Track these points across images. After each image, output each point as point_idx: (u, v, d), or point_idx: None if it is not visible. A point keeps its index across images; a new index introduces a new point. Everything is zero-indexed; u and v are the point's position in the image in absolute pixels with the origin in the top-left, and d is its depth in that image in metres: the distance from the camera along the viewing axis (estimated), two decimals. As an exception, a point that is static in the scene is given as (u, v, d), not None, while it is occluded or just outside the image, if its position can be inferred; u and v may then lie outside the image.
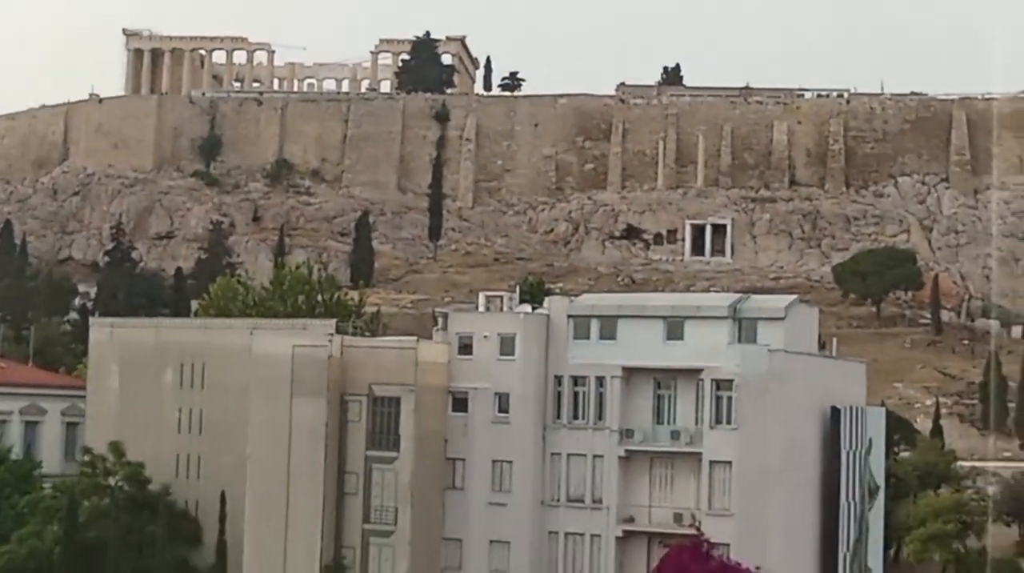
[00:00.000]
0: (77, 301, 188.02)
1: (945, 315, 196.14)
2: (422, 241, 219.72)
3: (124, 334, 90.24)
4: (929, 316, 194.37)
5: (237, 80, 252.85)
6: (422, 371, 75.49)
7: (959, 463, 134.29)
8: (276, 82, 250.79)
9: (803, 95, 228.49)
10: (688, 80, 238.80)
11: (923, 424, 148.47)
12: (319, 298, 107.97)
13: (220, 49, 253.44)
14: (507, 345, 76.00)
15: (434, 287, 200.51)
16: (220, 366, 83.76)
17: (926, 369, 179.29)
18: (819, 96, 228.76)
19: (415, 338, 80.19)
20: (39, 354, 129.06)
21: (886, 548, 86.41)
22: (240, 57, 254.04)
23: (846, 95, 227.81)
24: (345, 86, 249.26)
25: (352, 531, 75.30)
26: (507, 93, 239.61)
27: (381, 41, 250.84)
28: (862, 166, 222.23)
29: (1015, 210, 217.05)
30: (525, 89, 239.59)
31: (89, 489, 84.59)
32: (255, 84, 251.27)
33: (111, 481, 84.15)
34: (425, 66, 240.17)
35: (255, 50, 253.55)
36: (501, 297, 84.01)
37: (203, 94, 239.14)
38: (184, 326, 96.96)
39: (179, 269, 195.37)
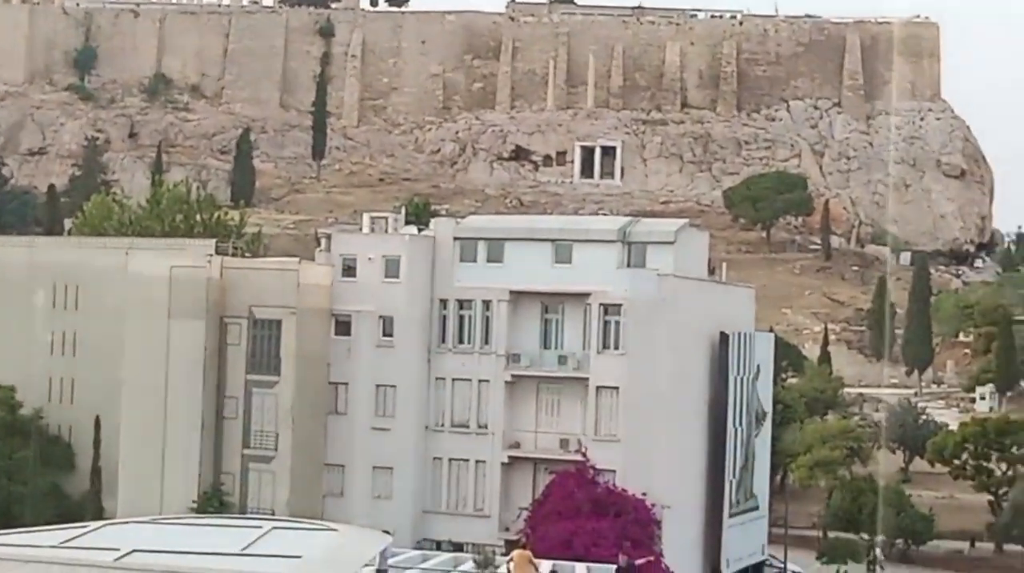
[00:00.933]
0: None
1: (835, 241, 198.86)
2: (305, 160, 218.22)
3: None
4: (819, 242, 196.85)
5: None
6: (304, 293, 75.01)
7: (846, 390, 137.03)
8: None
9: (696, 16, 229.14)
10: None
11: (811, 350, 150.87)
12: (198, 218, 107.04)
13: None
14: (392, 267, 75.65)
15: (317, 207, 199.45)
16: (95, 287, 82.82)
17: (815, 295, 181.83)
18: (712, 17, 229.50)
19: (297, 259, 79.68)
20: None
21: (773, 474, 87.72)
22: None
23: (739, 17, 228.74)
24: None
25: (231, 457, 74.90)
26: (394, 8, 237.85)
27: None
28: (754, 89, 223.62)
29: (906, 136, 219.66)
30: (412, 5, 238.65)
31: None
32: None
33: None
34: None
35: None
36: (386, 218, 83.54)
37: (77, 4, 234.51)
38: (57, 245, 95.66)
39: (52, 186, 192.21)
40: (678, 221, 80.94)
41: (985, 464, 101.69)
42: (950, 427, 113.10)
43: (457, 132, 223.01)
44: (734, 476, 75.05)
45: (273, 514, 72.93)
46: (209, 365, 74.64)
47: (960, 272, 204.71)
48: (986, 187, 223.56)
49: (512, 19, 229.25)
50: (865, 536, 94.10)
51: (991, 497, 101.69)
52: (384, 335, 75.69)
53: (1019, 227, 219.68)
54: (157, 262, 76.26)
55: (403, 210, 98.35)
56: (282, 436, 74.42)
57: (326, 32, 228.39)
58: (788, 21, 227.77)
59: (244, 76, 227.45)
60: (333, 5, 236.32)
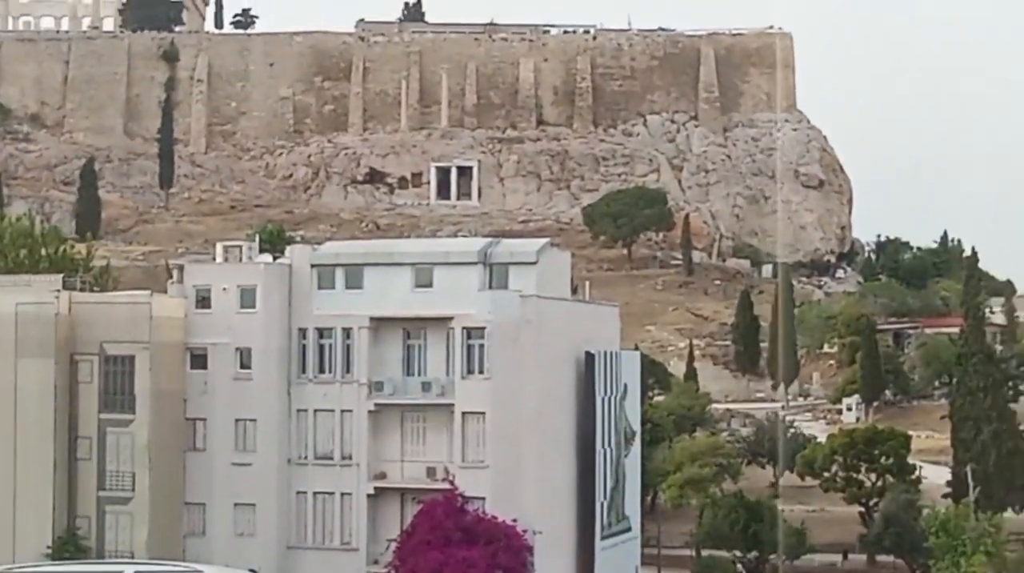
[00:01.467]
0: None
1: (696, 256, 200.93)
2: (152, 189, 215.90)
3: None
4: (681, 257, 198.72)
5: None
6: (157, 327, 74.08)
7: (713, 406, 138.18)
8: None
9: (549, 32, 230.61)
10: (430, 16, 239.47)
11: (677, 367, 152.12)
12: (43, 252, 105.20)
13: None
14: (247, 297, 75.00)
15: (167, 238, 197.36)
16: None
17: (679, 311, 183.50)
18: (565, 33, 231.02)
19: (148, 292, 78.64)
20: None
21: (643, 494, 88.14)
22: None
23: (592, 31, 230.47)
24: (65, 24, 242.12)
25: (86, 499, 73.71)
26: (240, 31, 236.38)
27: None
28: (610, 104, 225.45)
29: (763, 147, 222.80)
30: (259, 26, 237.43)
31: None
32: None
33: None
34: (151, 2, 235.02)
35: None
36: (239, 247, 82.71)
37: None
38: None
39: None
40: (539, 241, 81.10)
41: (855, 475, 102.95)
42: (819, 439, 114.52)
43: (309, 156, 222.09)
44: (605, 498, 75.33)
45: (132, 556, 71.99)
46: (60, 405, 73.41)
47: (822, 283, 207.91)
48: (845, 197, 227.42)
49: (362, 39, 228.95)
50: (738, 553, 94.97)
51: (862, 508, 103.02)
52: (242, 367, 74.99)
53: (878, 236, 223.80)
54: (1, 299, 74.89)
55: (257, 238, 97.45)
56: (139, 476, 73.38)
57: (170, 57, 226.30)
58: (642, 35, 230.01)
59: (86, 104, 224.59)
60: (177, 29, 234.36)
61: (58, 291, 76.07)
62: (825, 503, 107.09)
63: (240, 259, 79.94)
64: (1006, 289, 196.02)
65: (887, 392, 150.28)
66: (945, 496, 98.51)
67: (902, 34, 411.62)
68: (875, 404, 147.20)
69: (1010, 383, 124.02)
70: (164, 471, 73.91)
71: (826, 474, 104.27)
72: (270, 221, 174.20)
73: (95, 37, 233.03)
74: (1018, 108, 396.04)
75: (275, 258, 79.68)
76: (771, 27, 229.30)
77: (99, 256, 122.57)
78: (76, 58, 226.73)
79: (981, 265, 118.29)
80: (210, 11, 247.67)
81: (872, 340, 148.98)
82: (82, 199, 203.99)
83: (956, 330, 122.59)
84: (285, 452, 74.82)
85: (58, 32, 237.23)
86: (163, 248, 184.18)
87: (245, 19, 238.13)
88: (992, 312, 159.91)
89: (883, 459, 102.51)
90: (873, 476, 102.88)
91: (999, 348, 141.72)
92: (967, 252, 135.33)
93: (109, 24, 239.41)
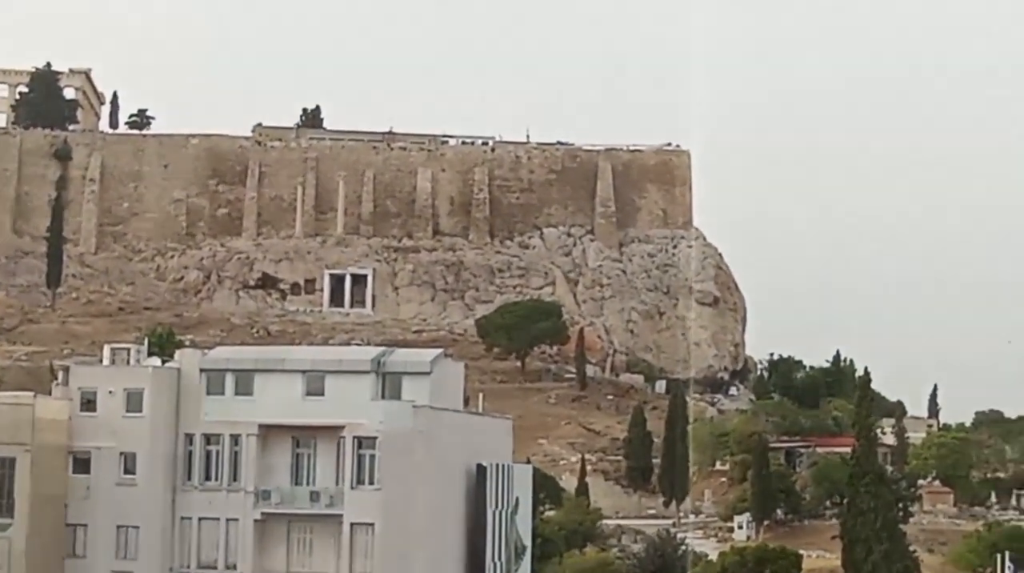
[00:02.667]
0: None
1: (590, 370, 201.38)
2: (39, 288, 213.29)
3: None
4: (574, 371, 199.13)
5: None
6: (40, 429, 73.06)
7: (604, 521, 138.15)
8: None
9: (447, 142, 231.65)
10: (328, 123, 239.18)
11: (568, 481, 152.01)
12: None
13: None
14: (134, 401, 74.26)
15: (53, 338, 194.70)
16: None
17: (571, 425, 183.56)
18: (464, 143, 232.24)
19: (32, 394, 77.60)
20: None
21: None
22: None
23: (491, 143, 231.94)
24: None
25: (-40, 607, 72.22)
26: (135, 131, 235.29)
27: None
28: (507, 216, 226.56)
29: (659, 263, 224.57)
30: (154, 127, 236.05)
31: None
32: None
33: None
34: (45, 100, 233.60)
35: None
36: (127, 349, 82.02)
37: None
38: None
39: None
40: (432, 351, 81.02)
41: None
42: (710, 557, 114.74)
43: (201, 259, 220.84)
44: (494, 613, 74.86)
45: (5, 668, 70.39)
46: (-64, 508, 71.96)
47: (715, 400, 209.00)
48: (739, 314, 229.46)
49: (259, 143, 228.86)
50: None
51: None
52: (126, 472, 74.05)
53: (771, 354, 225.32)
54: None
55: (145, 341, 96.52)
56: (16, 582, 71.96)
57: (63, 155, 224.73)
58: (540, 148, 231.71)
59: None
60: (71, 127, 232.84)
61: (-62, 391, 74.91)
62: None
63: (128, 362, 79.20)
64: (897, 410, 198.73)
65: (779, 511, 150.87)
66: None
67: (800, 155, 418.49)
68: (766, 522, 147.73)
69: (900, 504, 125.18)
70: (42, 578, 72.51)
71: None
72: (159, 324, 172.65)
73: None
74: (911, 233, 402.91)
75: (164, 362, 79.01)
76: (669, 144, 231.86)
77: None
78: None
79: (873, 386, 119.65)
80: (105, 111, 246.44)
81: (764, 458, 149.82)
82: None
83: (848, 450, 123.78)
84: (168, 561, 73.77)
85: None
86: (48, 349, 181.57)
87: (141, 119, 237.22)
88: (883, 433, 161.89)
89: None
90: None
91: (890, 469, 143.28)
92: (859, 372, 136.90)
93: (1, 120, 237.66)
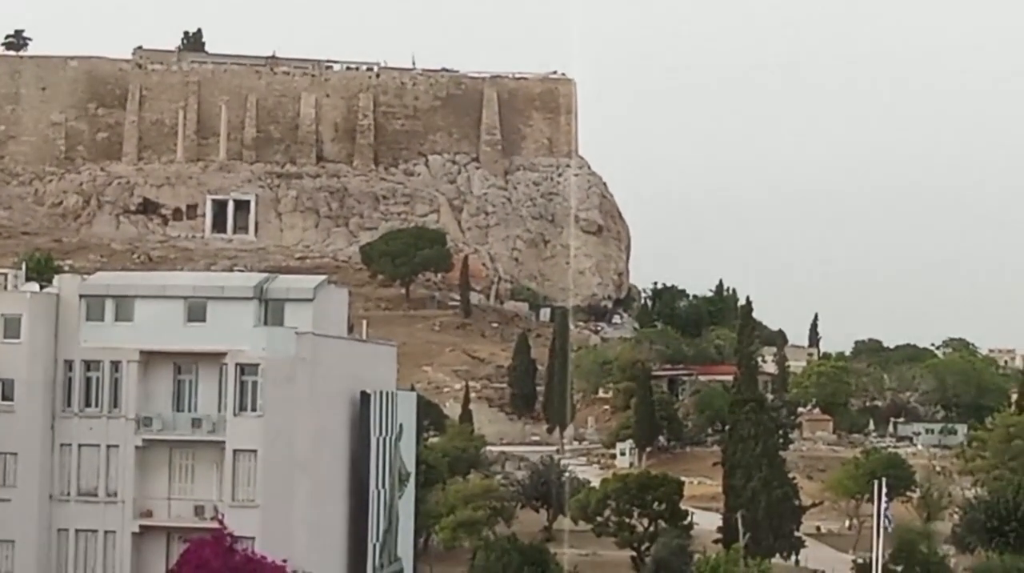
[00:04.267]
0: None
1: (475, 297, 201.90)
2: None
3: None
4: (459, 298, 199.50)
5: None
6: (-86, 356, 72.04)
7: (488, 448, 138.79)
8: None
9: (332, 67, 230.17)
10: (211, 47, 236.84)
11: (452, 409, 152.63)
12: None
13: None
14: (12, 327, 73.28)
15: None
16: None
17: (455, 352, 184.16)
18: (348, 69, 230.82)
19: (-95, 319, 76.41)
20: None
21: (417, 536, 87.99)
22: None
23: (376, 69, 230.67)
24: None
25: None
26: (11, 52, 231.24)
27: None
28: (392, 143, 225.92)
29: (544, 192, 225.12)
30: (32, 49, 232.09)
31: None
32: None
33: None
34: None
35: None
36: (4, 274, 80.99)
37: None
38: None
39: None
40: (316, 278, 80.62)
41: (627, 520, 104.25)
42: (592, 484, 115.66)
43: (81, 184, 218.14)
44: (377, 539, 75.06)
45: None
46: None
47: (599, 328, 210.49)
48: (623, 243, 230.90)
49: (140, 66, 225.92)
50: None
51: (634, 553, 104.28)
52: (3, 399, 73.16)
53: (655, 283, 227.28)
54: None
55: (23, 266, 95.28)
56: None
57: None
58: (426, 75, 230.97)
59: None
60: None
61: None
62: (598, 547, 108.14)
63: (5, 287, 78.22)
64: (778, 339, 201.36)
65: (661, 438, 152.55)
66: (716, 541, 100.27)
67: (686, 80, 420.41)
68: (649, 450, 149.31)
69: (780, 431, 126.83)
70: (-84, 506, 71.68)
71: (599, 518, 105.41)
72: (38, 249, 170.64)
73: None
74: (797, 162, 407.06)
75: (42, 287, 78.00)
76: (554, 72, 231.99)
77: None
78: None
79: (755, 315, 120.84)
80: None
81: (647, 386, 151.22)
82: None
83: (730, 378, 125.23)
84: (47, 488, 73.03)
85: None
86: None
87: (18, 40, 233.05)
88: (764, 361, 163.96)
89: (656, 504, 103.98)
90: (646, 521, 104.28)
91: (770, 397, 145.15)
92: (742, 302, 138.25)
93: None
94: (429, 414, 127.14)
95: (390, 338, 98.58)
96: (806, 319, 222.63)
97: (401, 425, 78.29)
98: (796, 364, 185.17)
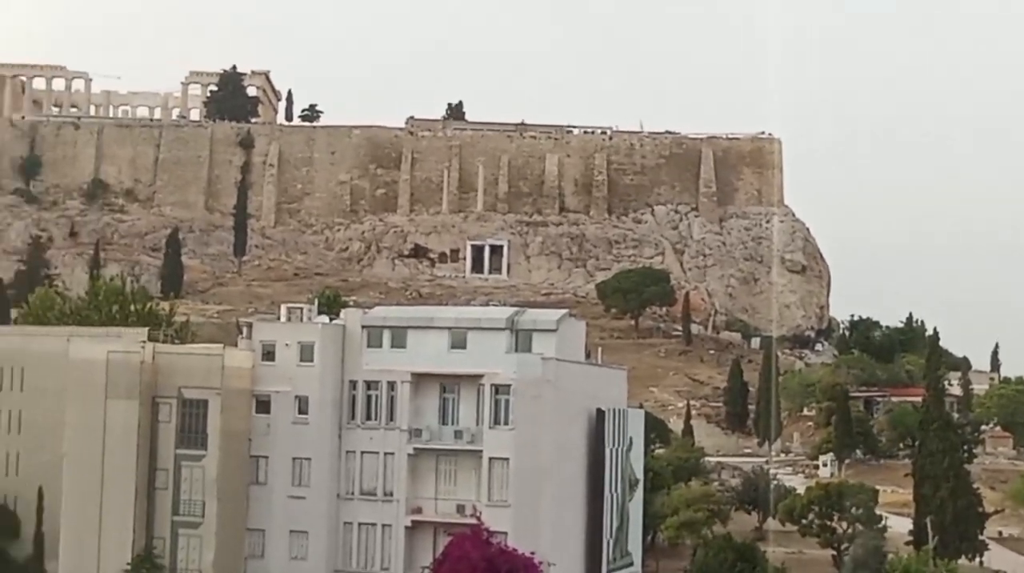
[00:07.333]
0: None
1: (694, 328, 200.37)
2: (228, 257, 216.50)
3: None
4: (680, 329, 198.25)
5: (56, 106, 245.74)
6: (228, 376, 74.20)
7: (707, 459, 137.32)
8: (93, 108, 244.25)
9: (571, 131, 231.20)
10: (470, 115, 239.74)
11: (676, 424, 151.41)
12: (132, 308, 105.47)
13: (40, 76, 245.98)
14: (307, 352, 75.16)
15: (239, 299, 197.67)
16: (38, 370, 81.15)
17: (678, 375, 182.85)
18: (585, 133, 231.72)
19: (221, 345, 78.84)
20: None
21: (644, 535, 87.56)
22: (59, 84, 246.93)
23: (609, 132, 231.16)
24: (157, 114, 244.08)
25: (162, 523, 73.66)
26: (307, 123, 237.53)
27: (191, 73, 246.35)
28: (623, 195, 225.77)
29: (754, 236, 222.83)
30: (323, 120, 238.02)
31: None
32: (73, 109, 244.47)
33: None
34: (232, 97, 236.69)
35: (73, 78, 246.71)
36: (301, 309, 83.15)
37: (23, 117, 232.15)
38: (4, 333, 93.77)
39: (0, 280, 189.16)
40: (558, 311, 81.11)
41: (828, 523, 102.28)
42: (797, 491, 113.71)
43: (363, 232, 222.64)
44: (611, 536, 74.99)
45: (200, 574, 71.84)
46: (142, 441, 73.51)
47: (803, 355, 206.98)
48: (824, 281, 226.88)
49: (411, 133, 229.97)
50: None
51: (834, 552, 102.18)
52: (300, 413, 75.03)
53: (852, 315, 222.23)
54: (95, 348, 75.13)
55: (316, 301, 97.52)
56: (208, 504, 73.32)
57: (247, 143, 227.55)
58: (651, 136, 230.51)
59: (173, 182, 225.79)
60: (253, 120, 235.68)
61: (144, 342, 76.40)
62: (802, 546, 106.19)
63: (301, 319, 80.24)
64: (962, 365, 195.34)
65: (858, 451, 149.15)
66: (907, 544, 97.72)
67: (877, 138, 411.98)
68: (847, 461, 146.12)
69: (965, 447, 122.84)
70: (230, 501, 73.82)
71: (804, 521, 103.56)
72: (328, 287, 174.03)
73: (183, 125, 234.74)
74: (977, 206, 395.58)
75: (331, 320, 79.81)
76: (763, 132, 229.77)
77: (180, 313, 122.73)
78: (166, 143, 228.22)
79: (941, 343, 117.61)
80: (282, 105, 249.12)
81: (845, 406, 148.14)
82: (167, 263, 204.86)
83: (919, 399, 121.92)
84: (335, 488, 74.68)
85: (151, 120, 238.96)
86: (235, 308, 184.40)
87: (311, 113, 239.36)
88: (950, 385, 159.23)
89: (853, 509, 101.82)
90: (844, 524, 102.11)
91: (956, 416, 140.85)
92: (929, 332, 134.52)
93: (195, 114, 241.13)
94: (655, 429, 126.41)
95: (621, 363, 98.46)
96: (988, 347, 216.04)
97: (631, 438, 78.16)
98: (979, 387, 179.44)
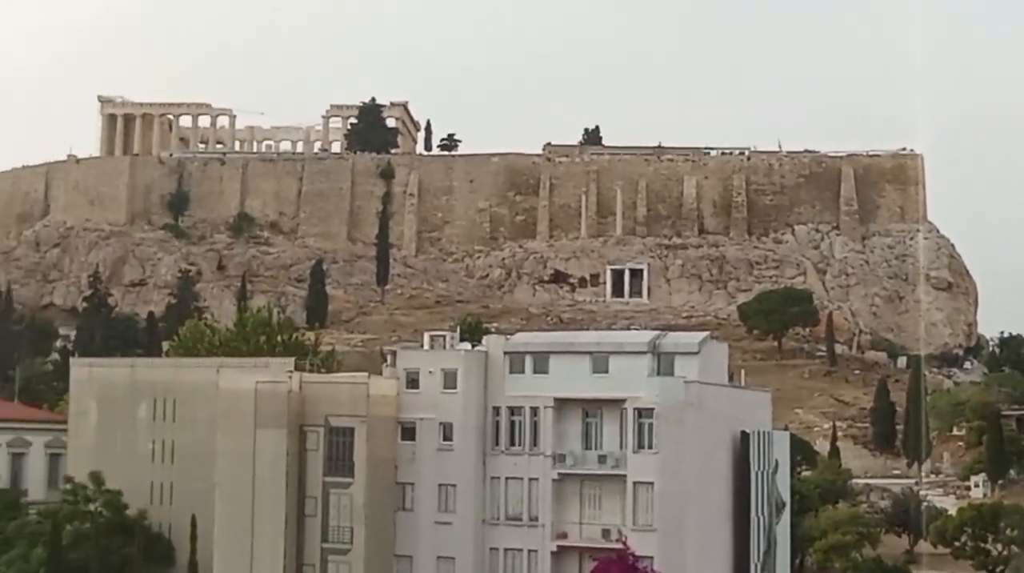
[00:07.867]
0: (58, 343, 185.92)
1: (838, 348, 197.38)
2: (371, 286, 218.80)
3: (101, 373, 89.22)
4: (824, 349, 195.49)
5: (202, 142, 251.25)
6: (373, 403, 74.92)
7: (854, 480, 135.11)
8: (237, 143, 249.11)
9: (709, 153, 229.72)
10: (607, 140, 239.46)
11: (822, 446, 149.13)
12: (279, 338, 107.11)
13: (186, 114, 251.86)
14: (450, 379, 75.60)
15: (382, 328, 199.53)
16: (189, 401, 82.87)
17: (823, 396, 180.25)
18: (723, 154, 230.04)
19: (366, 374, 79.61)
20: (24, 392, 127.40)
21: (792, 558, 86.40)
22: (204, 121, 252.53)
23: (747, 153, 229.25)
24: (300, 147, 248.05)
25: (312, 549, 74.54)
26: (445, 153, 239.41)
27: (331, 106, 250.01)
28: (763, 216, 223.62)
29: (897, 254, 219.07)
30: (461, 149, 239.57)
31: (71, 515, 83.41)
32: (218, 145, 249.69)
33: (91, 507, 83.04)
34: (372, 129, 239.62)
35: (218, 115, 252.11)
36: (443, 336, 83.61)
37: (171, 155, 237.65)
38: (156, 365, 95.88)
39: (151, 313, 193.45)
40: (700, 334, 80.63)
41: (982, 545, 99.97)
42: (949, 512, 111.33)
43: (503, 259, 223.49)
44: (758, 560, 74.10)
45: (349, 601, 72.36)
46: (291, 469, 74.51)
47: (951, 373, 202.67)
48: (971, 298, 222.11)
49: (549, 159, 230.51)
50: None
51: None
52: (444, 439, 75.44)
53: (1002, 333, 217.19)
54: (244, 378, 76.41)
55: (458, 329, 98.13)
56: (356, 531, 74.02)
57: (387, 174, 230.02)
58: (790, 156, 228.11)
59: (316, 214, 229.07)
60: (393, 150, 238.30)
61: (291, 372, 77.46)
62: (956, 569, 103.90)
63: (444, 347, 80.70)
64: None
65: (1012, 471, 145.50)
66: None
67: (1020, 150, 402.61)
68: (1000, 482, 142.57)
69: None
70: (377, 527, 74.41)
71: (956, 543, 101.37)
72: (469, 314, 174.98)
73: (324, 158, 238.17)
74: None
75: (473, 346, 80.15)
76: (903, 149, 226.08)
77: (325, 342, 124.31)
78: (308, 175, 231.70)
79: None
80: (421, 136, 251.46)
81: (997, 424, 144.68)
82: (312, 294, 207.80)
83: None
84: (480, 513, 74.89)
85: (294, 154, 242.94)
86: (379, 336, 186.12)
87: (450, 142, 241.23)
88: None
89: (1008, 531, 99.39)
90: (999, 546, 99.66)
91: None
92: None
93: (336, 147, 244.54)
94: (801, 451, 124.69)
95: (765, 385, 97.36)
96: None
97: (777, 460, 77.20)
98: None
